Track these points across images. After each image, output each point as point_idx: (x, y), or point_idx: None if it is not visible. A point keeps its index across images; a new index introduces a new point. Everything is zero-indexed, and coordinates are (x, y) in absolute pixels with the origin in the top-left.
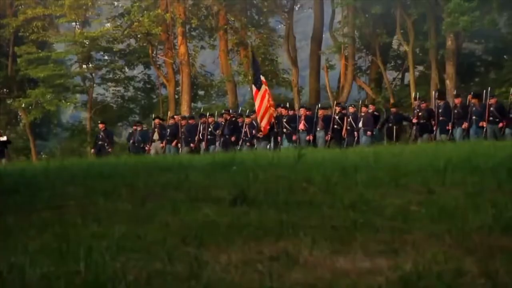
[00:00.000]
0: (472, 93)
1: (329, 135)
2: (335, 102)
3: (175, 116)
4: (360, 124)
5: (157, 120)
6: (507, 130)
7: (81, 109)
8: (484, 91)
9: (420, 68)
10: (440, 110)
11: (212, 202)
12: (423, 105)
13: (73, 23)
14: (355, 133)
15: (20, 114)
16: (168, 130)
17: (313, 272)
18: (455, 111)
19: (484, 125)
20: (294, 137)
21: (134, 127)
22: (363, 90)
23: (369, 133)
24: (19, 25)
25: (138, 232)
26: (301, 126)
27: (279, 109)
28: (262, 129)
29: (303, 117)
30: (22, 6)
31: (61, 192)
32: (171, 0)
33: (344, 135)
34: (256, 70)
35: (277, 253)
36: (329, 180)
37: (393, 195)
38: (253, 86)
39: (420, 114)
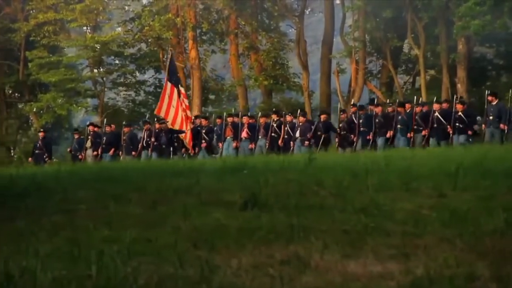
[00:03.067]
0: (397, 101)
1: (267, 144)
2: (273, 110)
3: (112, 124)
4: (297, 134)
5: (91, 127)
6: (432, 141)
7: (92, 113)
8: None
9: (431, 72)
10: (361, 121)
11: (223, 206)
12: (343, 116)
13: (84, 28)
14: (291, 142)
15: (31, 118)
16: (104, 138)
17: (324, 276)
18: (376, 120)
19: (410, 136)
20: (203, 145)
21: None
22: (374, 94)
23: (306, 143)
24: (31, 30)
25: (149, 236)
26: (244, 134)
27: (199, 120)
28: (188, 145)
29: (246, 125)
30: (34, 11)
31: (72, 196)
32: (182, 4)
33: (280, 143)
34: (173, 73)
35: (288, 257)
36: (340, 183)
37: (404, 199)
38: (173, 88)
39: (340, 125)
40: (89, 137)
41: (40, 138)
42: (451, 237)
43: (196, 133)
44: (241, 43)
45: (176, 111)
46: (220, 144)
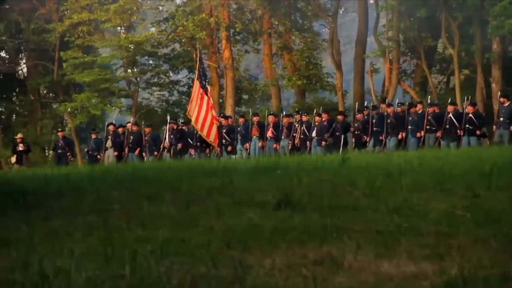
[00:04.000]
0: (407, 103)
1: (290, 144)
2: (296, 110)
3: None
4: (314, 134)
5: (111, 127)
6: (443, 143)
7: (126, 113)
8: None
9: (466, 71)
10: (374, 121)
11: (256, 206)
12: (359, 116)
13: (118, 28)
14: (308, 142)
15: (66, 118)
16: (131, 137)
17: (357, 277)
18: (388, 120)
19: (421, 135)
20: (229, 148)
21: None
22: (408, 94)
23: (323, 143)
24: (65, 30)
25: (182, 236)
26: (269, 134)
27: (220, 119)
28: (214, 143)
29: (271, 125)
30: (68, 11)
31: (106, 196)
32: (215, 4)
33: (297, 144)
34: (203, 74)
35: (321, 257)
36: (373, 184)
37: (438, 199)
38: (200, 88)
39: (356, 125)
40: (109, 137)
41: (60, 138)
42: (485, 238)
43: (219, 132)
44: (274, 43)
45: (199, 109)
46: (247, 145)
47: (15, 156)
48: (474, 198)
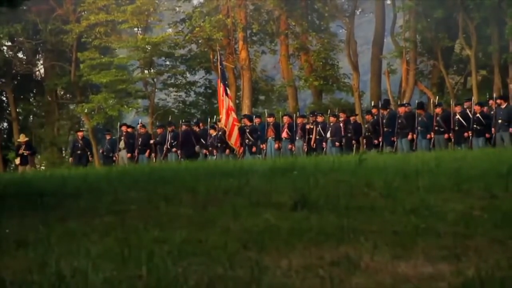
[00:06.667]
0: (417, 102)
1: (305, 145)
2: (311, 111)
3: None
4: (328, 134)
5: (124, 127)
6: (456, 147)
7: (143, 114)
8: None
9: (483, 72)
10: (384, 121)
11: (273, 207)
12: (368, 117)
13: (135, 29)
14: (324, 143)
15: (83, 119)
16: (140, 139)
17: (374, 277)
18: (399, 121)
19: (431, 137)
20: (253, 149)
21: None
22: (425, 95)
23: (337, 144)
24: (82, 31)
25: (199, 237)
26: (284, 134)
27: (243, 120)
28: (234, 146)
29: (286, 125)
30: (85, 12)
31: (123, 197)
32: (232, 5)
33: (312, 144)
34: (223, 77)
35: (338, 258)
36: (390, 185)
37: (455, 200)
38: (223, 90)
39: (366, 126)
40: (122, 137)
41: (80, 138)
42: (502, 239)
43: (242, 133)
44: (291, 44)
45: (221, 109)
46: (264, 145)
47: (19, 158)
48: (491, 199)
